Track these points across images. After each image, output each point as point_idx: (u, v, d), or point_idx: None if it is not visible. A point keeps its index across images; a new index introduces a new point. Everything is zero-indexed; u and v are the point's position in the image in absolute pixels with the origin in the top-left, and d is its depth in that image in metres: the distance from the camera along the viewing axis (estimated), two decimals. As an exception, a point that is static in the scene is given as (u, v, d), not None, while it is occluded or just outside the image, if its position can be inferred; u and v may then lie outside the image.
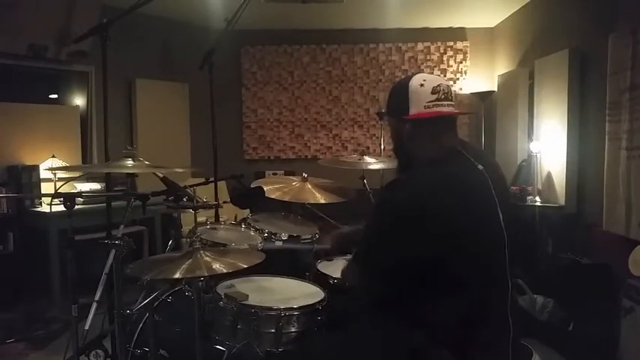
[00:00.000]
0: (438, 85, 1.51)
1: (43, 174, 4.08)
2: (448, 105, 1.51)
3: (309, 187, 2.46)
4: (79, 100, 4.77)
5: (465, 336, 1.38)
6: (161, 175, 1.98)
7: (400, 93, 1.53)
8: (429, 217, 1.35)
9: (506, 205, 1.48)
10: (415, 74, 1.55)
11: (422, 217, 1.36)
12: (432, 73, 1.62)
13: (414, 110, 1.50)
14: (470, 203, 1.41)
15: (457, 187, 1.42)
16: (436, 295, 1.39)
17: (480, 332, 1.39)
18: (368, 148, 5.71)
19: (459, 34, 5.77)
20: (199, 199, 2.06)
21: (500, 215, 1.44)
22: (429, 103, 1.49)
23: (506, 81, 5.09)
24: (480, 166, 1.48)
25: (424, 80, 1.51)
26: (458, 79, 5.74)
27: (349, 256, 2.14)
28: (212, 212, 2.86)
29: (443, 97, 1.50)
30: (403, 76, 1.79)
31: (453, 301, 1.37)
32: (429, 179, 1.43)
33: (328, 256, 2.16)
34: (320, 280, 2.03)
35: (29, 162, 4.11)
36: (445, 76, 5.65)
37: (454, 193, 1.39)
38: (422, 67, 5.73)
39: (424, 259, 1.36)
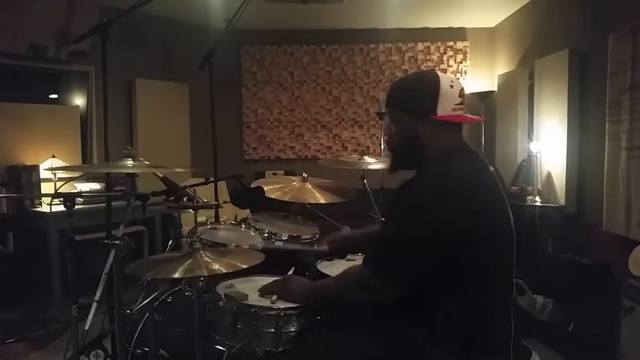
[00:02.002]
0: (462, 89, 1.51)
1: (43, 174, 4.09)
2: (464, 109, 1.52)
3: (309, 187, 2.46)
4: (79, 100, 4.77)
5: (469, 335, 1.38)
6: (161, 175, 1.98)
7: (427, 91, 1.47)
8: (455, 216, 1.33)
9: (511, 205, 1.49)
10: (436, 72, 1.51)
11: (449, 216, 1.33)
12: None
13: (442, 112, 1.46)
14: (486, 199, 1.41)
15: (477, 185, 1.41)
16: (442, 295, 1.38)
17: (485, 331, 1.39)
18: (368, 148, 5.72)
19: (459, 34, 5.77)
20: (199, 199, 2.06)
21: (511, 214, 1.45)
22: (455, 106, 1.48)
23: (506, 81, 5.09)
24: (492, 168, 1.50)
25: (452, 82, 1.49)
26: (458, 79, 5.71)
27: (348, 256, 2.15)
28: (212, 212, 2.85)
29: (464, 101, 1.51)
30: (401, 75, 1.75)
31: (460, 300, 1.37)
32: (452, 178, 1.40)
33: (326, 257, 2.15)
34: (320, 280, 2.02)
35: (29, 162, 4.11)
36: (445, 76, 5.64)
37: (475, 191, 1.39)
38: (422, 67, 5.73)
39: (445, 259, 1.35)
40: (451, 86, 1.48)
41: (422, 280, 1.37)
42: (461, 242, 1.34)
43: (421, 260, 1.36)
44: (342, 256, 2.14)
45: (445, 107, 1.47)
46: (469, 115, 1.54)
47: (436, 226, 1.34)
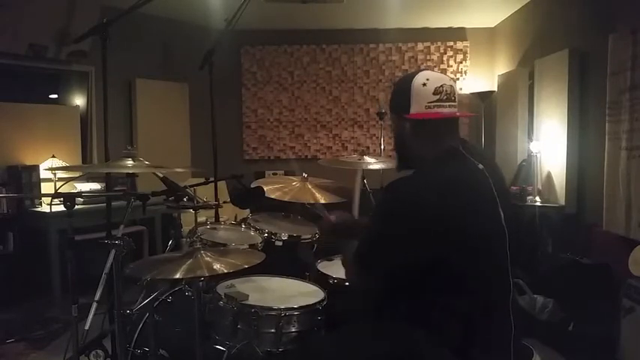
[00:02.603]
0: (441, 86, 1.48)
1: (43, 174, 4.09)
2: (450, 106, 1.50)
3: (309, 187, 2.46)
4: (79, 100, 4.77)
5: (467, 335, 1.38)
6: (161, 175, 1.98)
7: (402, 90, 1.51)
8: (431, 217, 1.35)
9: (507, 205, 1.48)
10: (420, 71, 1.53)
11: (425, 217, 1.35)
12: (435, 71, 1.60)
13: (414, 109, 1.48)
14: (471, 202, 1.41)
15: (459, 187, 1.41)
16: (438, 295, 1.39)
17: (483, 331, 1.39)
18: (368, 148, 5.71)
19: (459, 34, 5.77)
20: (199, 199, 2.06)
21: (502, 214, 1.45)
22: (430, 104, 1.47)
23: (506, 81, 5.09)
24: (481, 166, 1.48)
25: (427, 79, 1.48)
26: (458, 79, 5.74)
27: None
28: (212, 212, 2.85)
29: (445, 97, 1.48)
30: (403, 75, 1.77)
31: (455, 300, 1.37)
32: (431, 180, 1.42)
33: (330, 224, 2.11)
34: (320, 280, 2.03)
35: (29, 162, 4.11)
36: (445, 76, 5.64)
37: (456, 193, 1.39)
38: (422, 67, 5.73)
39: (426, 259, 1.36)
40: (424, 84, 1.48)
41: (410, 278, 1.39)
42: (442, 241, 1.35)
43: (397, 257, 1.40)
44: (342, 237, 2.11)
45: (418, 105, 1.48)
46: (447, 111, 1.49)
47: (410, 224, 1.37)
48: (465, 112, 1.59)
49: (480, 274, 1.40)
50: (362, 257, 1.50)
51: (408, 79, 1.52)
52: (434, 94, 1.48)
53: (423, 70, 1.56)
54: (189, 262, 1.60)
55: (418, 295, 1.40)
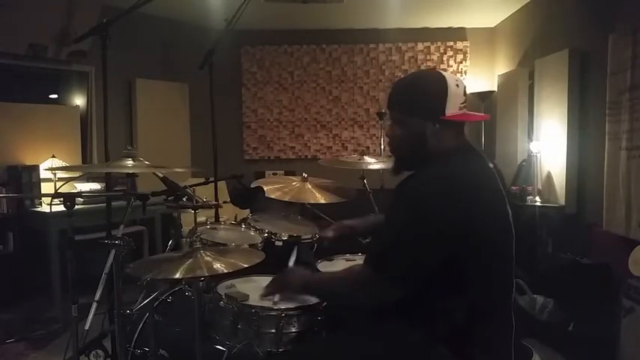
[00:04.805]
0: (465, 87, 1.52)
1: (43, 174, 4.09)
2: (467, 107, 1.52)
3: (309, 187, 2.46)
4: (79, 100, 4.77)
5: (469, 335, 1.38)
6: (161, 175, 1.98)
7: (435, 91, 1.46)
8: (457, 216, 1.33)
9: (510, 204, 1.49)
10: (440, 72, 1.51)
11: (451, 216, 1.33)
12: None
13: (450, 111, 1.45)
14: (488, 199, 1.41)
15: (478, 184, 1.41)
16: (445, 294, 1.38)
17: (485, 331, 1.39)
18: (368, 148, 5.71)
19: (459, 34, 5.77)
20: (199, 199, 2.06)
21: (509, 212, 1.45)
22: (461, 105, 1.48)
23: (506, 81, 5.09)
24: (491, 164, 1.50)
25: (457, 80, 1.49)
26: (461, 77, 5.73)
27: (348, 256, 2.15)
28: (212, 212, 2.85)
29: (467, 99, 1.52)
30: (401, 75, 1.73)
31: (462, 299, 1.37)
32: (453, 177, 1.39)
33: (328, 240, 2.12)
34: (320, 274, 2.02)
35: (29, 162, 4.11)
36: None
37: (477, 191, 1.38)
38: (422, 67, 5.73)
39: (446, 257, 1.35)
40: (457, 85, 1.48)
41: (423, 279, 1.37)
42: (462, 241, 1.34)
43: (424, 260, 1.36)
44: (346, 242, 2.12)
45: (453, 106, 1.46)
46: (475, 113, 1.55)
47: (438, 226, 1.34)
48: (485, 115, 1.60)
49: (490, 273, 1.40)
50: (383, 257, 1.42)
51: (439, 79, 1.47)
52: (463, 95, 1.50)
53: (439, 70, 1.54)
54: (189, 262, 1.59)
55: (420, 295, 1.39)
